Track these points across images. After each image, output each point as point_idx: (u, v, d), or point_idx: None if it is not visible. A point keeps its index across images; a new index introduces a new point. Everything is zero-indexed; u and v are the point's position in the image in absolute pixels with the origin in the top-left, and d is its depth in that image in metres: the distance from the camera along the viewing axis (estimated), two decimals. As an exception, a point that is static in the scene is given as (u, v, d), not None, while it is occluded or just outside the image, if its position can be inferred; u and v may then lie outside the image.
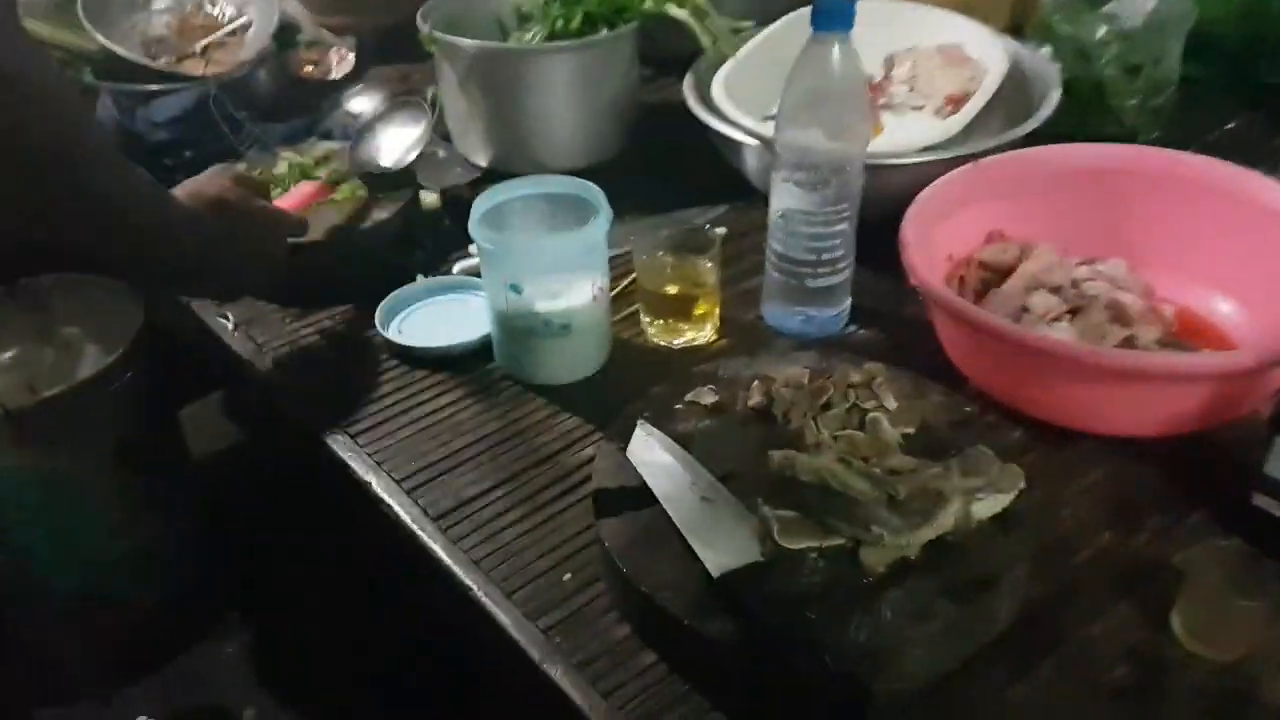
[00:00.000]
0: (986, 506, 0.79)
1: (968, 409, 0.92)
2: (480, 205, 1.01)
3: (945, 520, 0.77)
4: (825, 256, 1.05)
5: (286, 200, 1.17)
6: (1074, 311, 1.03)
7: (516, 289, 0.99)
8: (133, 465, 1.46)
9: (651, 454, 0.88)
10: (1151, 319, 1.02)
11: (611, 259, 1.06)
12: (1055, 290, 1.04)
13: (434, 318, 1.14)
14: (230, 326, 1.16)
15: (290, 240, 1.10)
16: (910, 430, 0.89)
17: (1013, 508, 0.81)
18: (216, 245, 0.99)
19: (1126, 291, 1.05)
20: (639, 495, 0.85)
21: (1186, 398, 0.89)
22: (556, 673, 0.79)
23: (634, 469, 0.87)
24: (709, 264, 1.08)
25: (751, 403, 0.92)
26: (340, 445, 1.00)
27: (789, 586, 0.76)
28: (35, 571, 1.43)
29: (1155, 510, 0.90)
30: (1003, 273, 1.08)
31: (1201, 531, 0.88)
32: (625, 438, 0.90)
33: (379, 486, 0.95)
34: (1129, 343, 0.98)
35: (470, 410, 1.03)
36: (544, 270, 0.99)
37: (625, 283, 1.15)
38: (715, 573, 0.77)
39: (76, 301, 1.42)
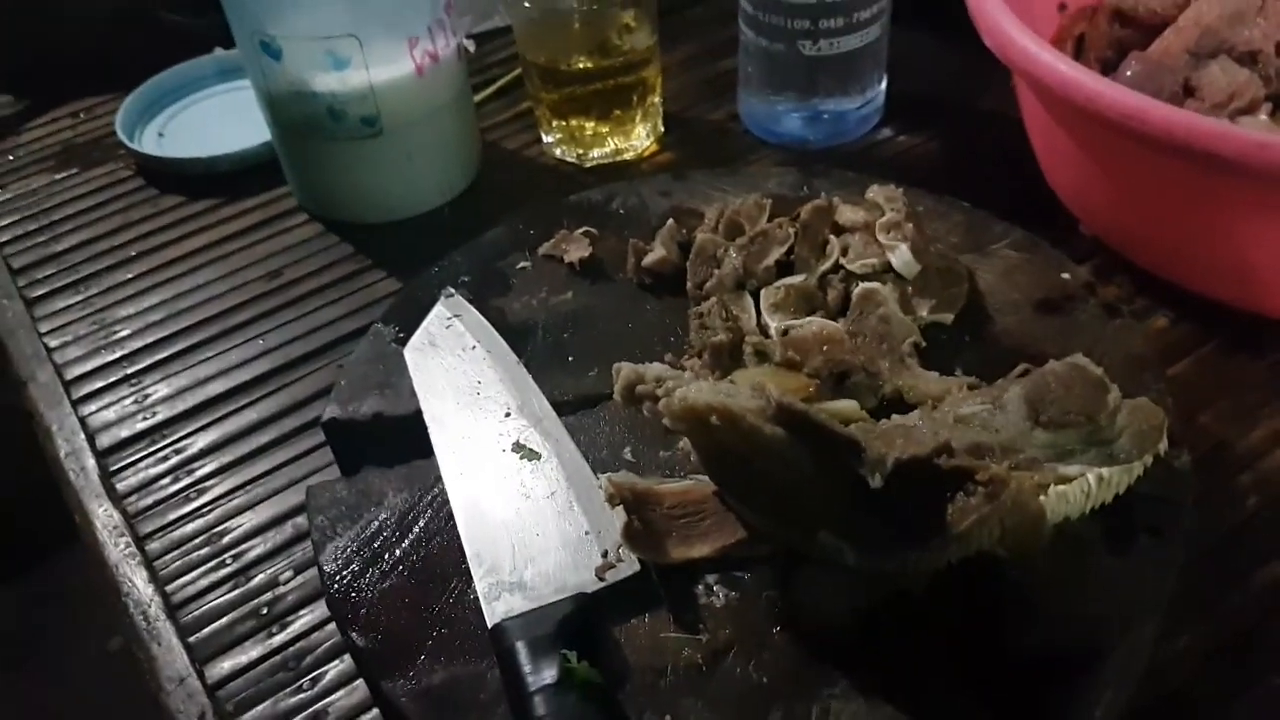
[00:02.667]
0: (1076, 493, 0.36)
1: (1065, 275, 0.47)
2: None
3: (978, 531, 0.34)
4: (832, -1, 0.60)
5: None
6: (1276, 101, 0.57)
7: (271, 49, 0.57)
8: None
9: (447, 353, 0.47)
10: None
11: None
12: (1250, 57, 0.57)
13: (224, 113, 0.74)
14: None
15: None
16: (945, 317, 0.46)
17: (1145, 486, 0.38)
18: None
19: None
20: (407, 436, 0.44)
21: None
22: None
23: (409, 381, 0.46)
24: (640, 20, 0.64)
25: (649, 259, 0.49)
26: (8, 319, 0.61)
27: (621, 656, 0.36)
28: None
29: None
30: (1153, 27, 0.62)
31: None
32: (415, 318, 0.49)
33: (35, 388, 0.57)
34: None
35: (216, 268, 0.63)
36: (313, 11, 0.56)
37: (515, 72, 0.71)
38: (491, 617, 0.37)
39: None
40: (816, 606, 0.36)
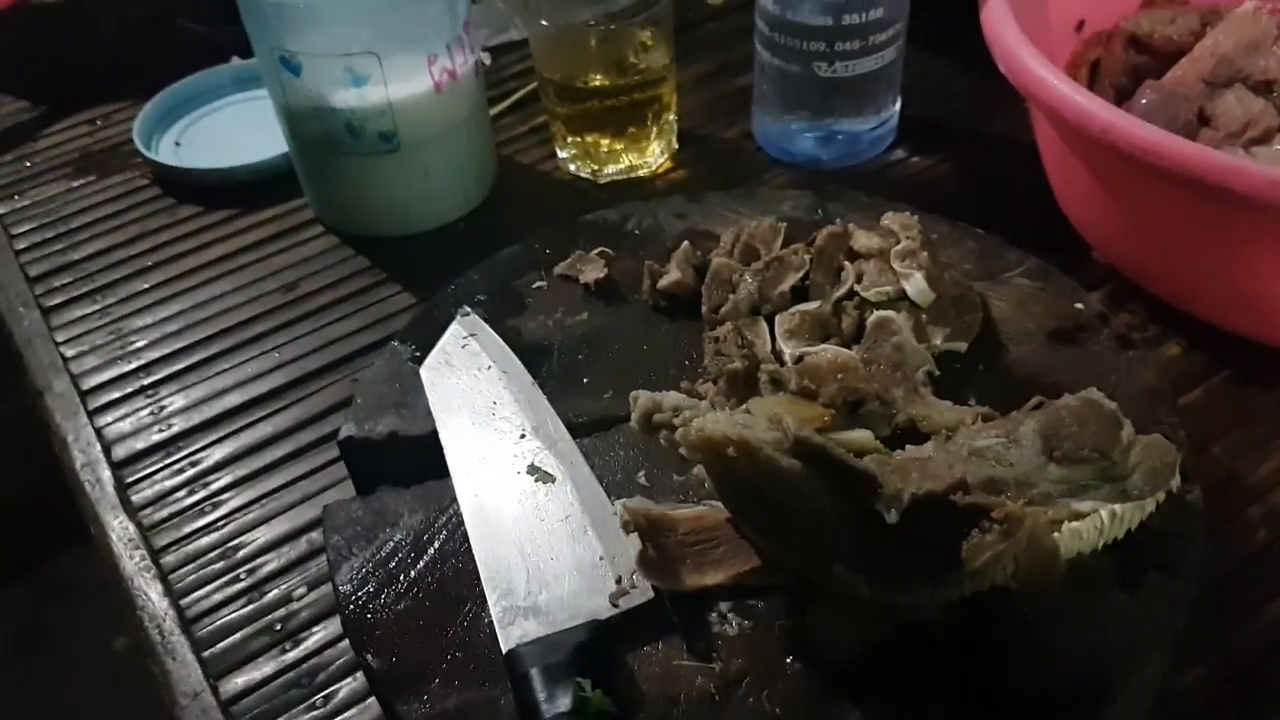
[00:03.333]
0: (1089, 530, 0.36)
1: (1079, 305, 0.48)
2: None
3: (991, 568, 0.34)
4: (849, 19, 0.60)
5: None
6: (1294, 127, 0.57)
7: (292, 66, 0.57)
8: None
9: (463, 373, 0.47)
10: None
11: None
12: (1265, 86, 0.58)
13: (241, 123, 0.74)
14: (-52, 131, 0.78)
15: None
16: (959, 346, 0.46)
17: (1156, 521, 0.38)
18: None
19: (1399, 91, 0.57)
20: (423, 455, 0.44)
21: None
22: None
23: (425, 400, 0.46)
24: (656, 39, 0.64)
25: (664, 281, 0.50)
26: (25, 328, 0.62)
27: (635, 685, 0.36)
28: None
29: None
30: (1168, 55, 0.62)
31: None
32: (432, 337, 0.49)
33: (52, 398, 0.57)
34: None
35: (233, 279, 0.64)
36: (332, 28, 0.56)
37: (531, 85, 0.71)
38: (506, 642, 0.37)
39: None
40: (830, 638, 0.36)
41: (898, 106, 0.68)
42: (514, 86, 0.76)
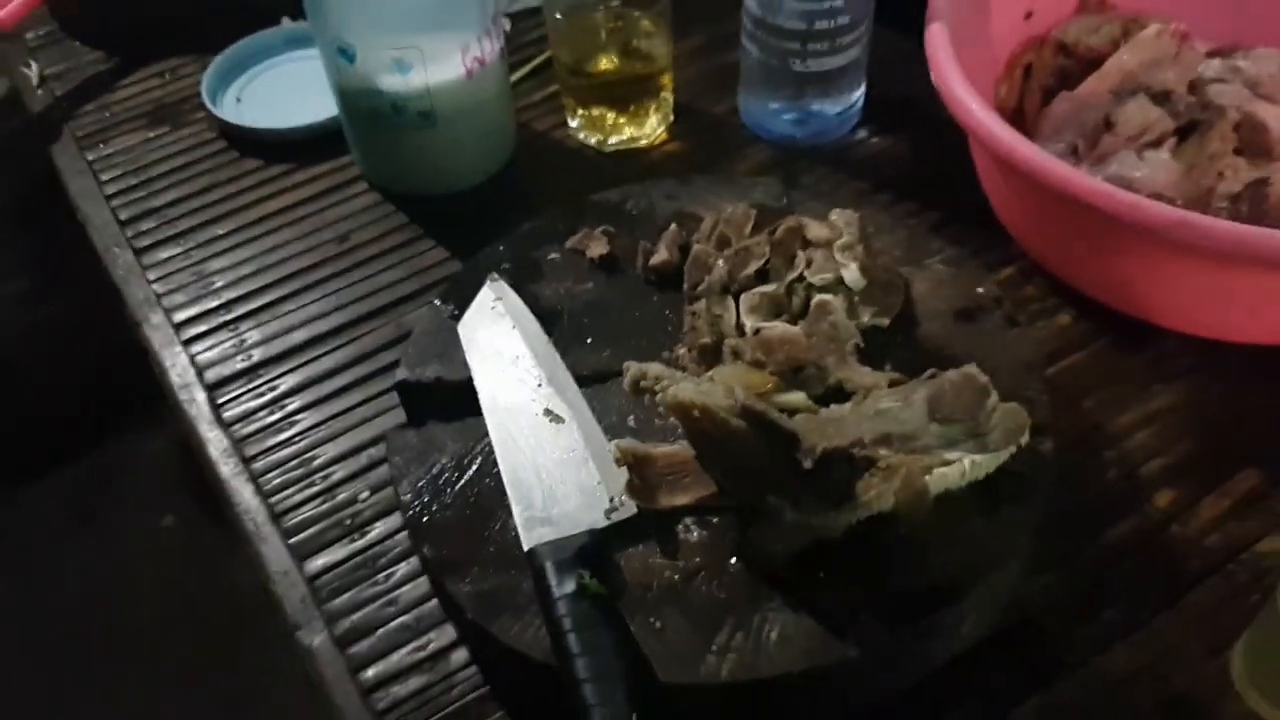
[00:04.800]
0: (954, 474, 0.49)
1: (980, 289, 0.60)
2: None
3: (877, 500, 0.48)
4: (821, 25, 0.71)
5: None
6: (1186, 131, 0.68)
7: (347, 54, 0.68)
8: (34, 222, 1.25)
9: (493, 330, 0.60)
10: (1305, 150, 0.67)
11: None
12: (1162, 97, 0.69)
13: (293, 82, 0.85)
14: (34, 80, 0.88)
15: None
16: (883, 321, 0.58)
17: (1012, 467, 0.51)
18: None
19: (1272, 103, 0.68)
20: (461, 397, 0.57)
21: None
22: (314, 642, 0.55)
23: (462, 351, 0.59)
24: (655, 23, 0.75)
25: (655, 259, 0.62)
26: (121, 266, 0.74)
27: (620, 575, 0.50)
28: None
29: (1253, 458, 0.59)
30: (1090, 61, 0.73)
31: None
32: (467, 298, 0.61)
33: (150, 329, 0.70)
34: (1257, 189, 0.64)
35: (294, 229, 0.75)
36: (384, 27, 0.67)
37: (547, 54, 0.82)
38: (527, 542, 0.51)
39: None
40: (763, 546, 0.50)
41: (862, 90, 0.78)
42: (532, 53, 0.86)
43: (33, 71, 0.88)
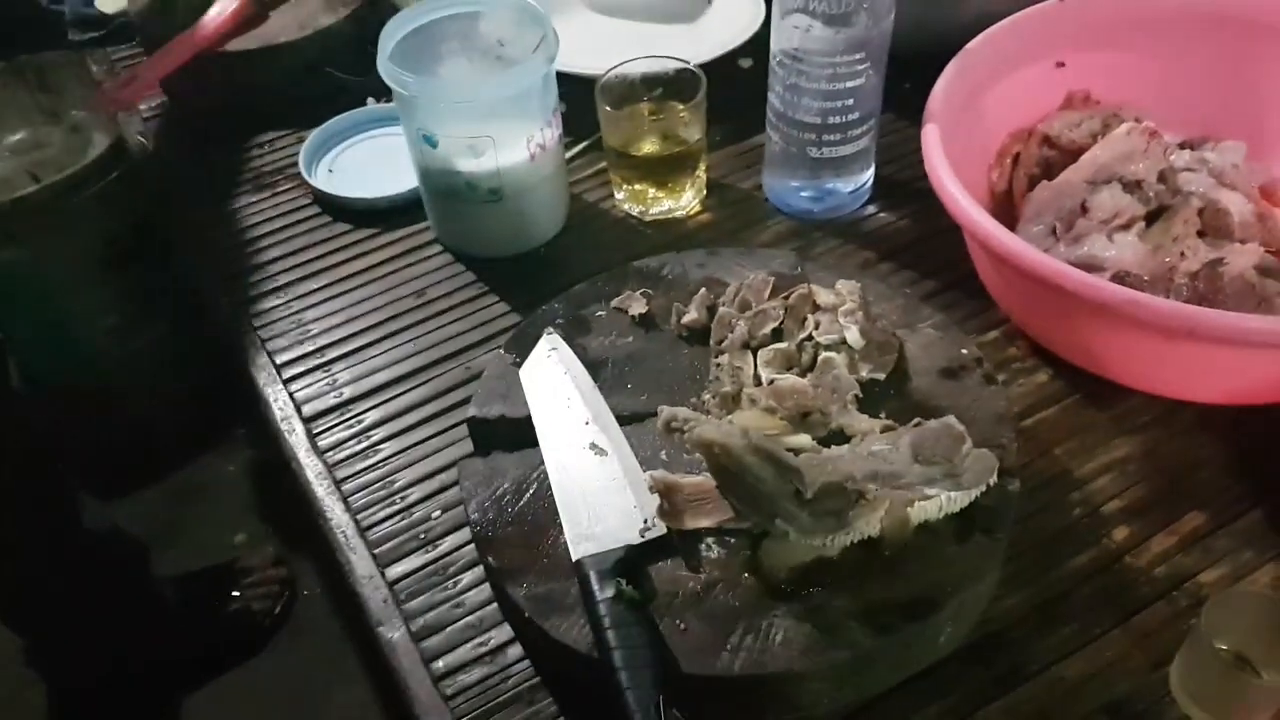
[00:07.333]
0: (932, 507, 0.60)
1: (964, 351, 0.70)
2: (393, 30, 0.81)
3: (866, 527, 0.58)
4: (834, 120, 0.82)
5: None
6: (1154, 215, 0.78)
7: (431, 141, 0.80)
8: (126, 263, 1.39)
9: (548, 376, 0.71)
10: (1257, 231, 0.77)
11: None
12: (1133, 185, 0.79)
13: (376, 155, 0.97)
14: (145, 144, 1.01)
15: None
16: (879, 376, 0.69)
17: (984, 502, 0.61)
18: None
19: (1233, 190, 0.79)
20: (521, 431, 0.68)
21: (1262, 367, 0.66)
22: (393, 636, 0.66)
23: (523, 393, 0.70)
24: (692, 114, 0.86)
25: (687, 318, 0.73)
26: (228, 313, 0.86)
27: (652, 584, 0.60)
28: (18, 355, 1.39)
29: (1199, 502, 0.69)
30: (1073, 153, 0.83)
31: (1256, 537, 0.67)
32: (527, 348, 0.73)
33: (256, 369, 0.82)
34: (1212, 268, 0.74)
35: (379, 284, 0.87)
36: (462, 120, 0.79)
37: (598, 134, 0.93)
38: (575, 554, 0.61)
39: (85, 85, 1.31)
40: (771, 562, 0.60)
41: (872, 171, 0.89)
42: (583, 134, 0.98)
43: (145, 138, 1.02)
